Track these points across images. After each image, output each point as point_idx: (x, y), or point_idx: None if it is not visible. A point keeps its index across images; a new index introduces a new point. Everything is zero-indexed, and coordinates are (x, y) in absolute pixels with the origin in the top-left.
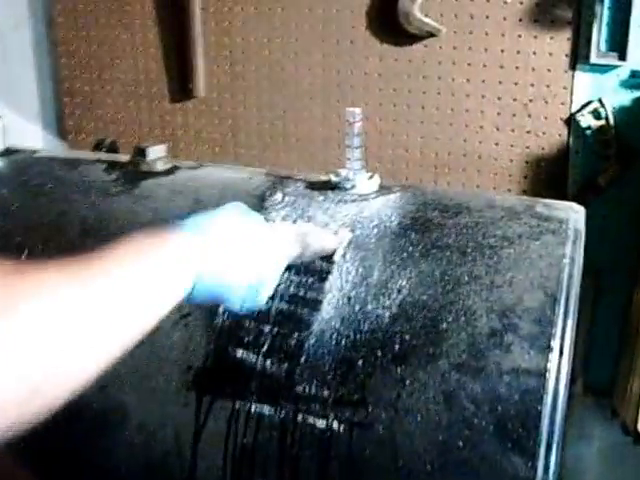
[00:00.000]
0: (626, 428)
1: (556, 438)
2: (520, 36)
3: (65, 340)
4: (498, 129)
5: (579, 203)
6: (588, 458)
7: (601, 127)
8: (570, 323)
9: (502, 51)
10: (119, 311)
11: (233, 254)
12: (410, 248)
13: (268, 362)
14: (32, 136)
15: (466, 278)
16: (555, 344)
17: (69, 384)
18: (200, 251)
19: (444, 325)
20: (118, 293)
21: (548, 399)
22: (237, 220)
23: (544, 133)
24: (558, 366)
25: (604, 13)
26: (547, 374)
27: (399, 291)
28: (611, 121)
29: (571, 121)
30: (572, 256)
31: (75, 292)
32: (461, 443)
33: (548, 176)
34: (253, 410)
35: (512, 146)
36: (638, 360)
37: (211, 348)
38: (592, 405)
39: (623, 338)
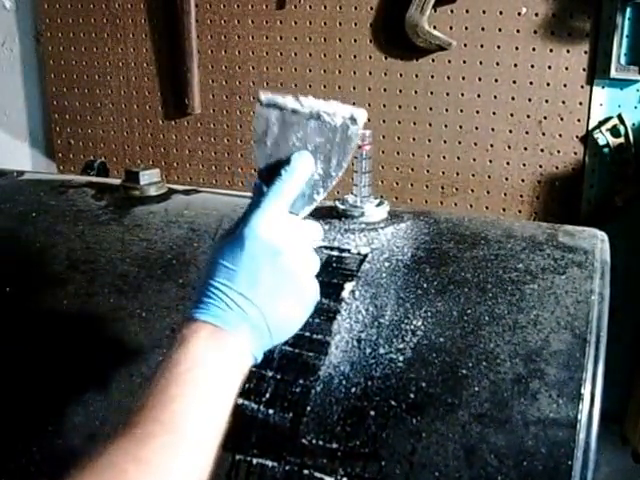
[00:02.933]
0: (637, 456)
1: None
2: (534, 49)
3: None
4: (510, 147)
5: (593, 224)
6: None
7: (620, 145)
8: (601, 367)
9: (515, 65)
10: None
11: (280, 319)
12: (425, 284)
13: (270, 411)
14: (20, 154)
15: (487, 318)
16: (586, 391)
17: None
18: (253, 338)
19: (464, 371)
20: (206, 421)
21: (579, 453)
22: (270, 274)
23: (559, 151)
24: (589, 416)
25: (624, 24)
26: (577, 425)
27: (414, 333)
28: (631, 139)
29: (588, 139)
30: (600, 292)
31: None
32: None
33: (561, 196)
34: (254, 464)
35: (524, 165)
36: None
37: None
38: (602, 431)
39: (636, 363)
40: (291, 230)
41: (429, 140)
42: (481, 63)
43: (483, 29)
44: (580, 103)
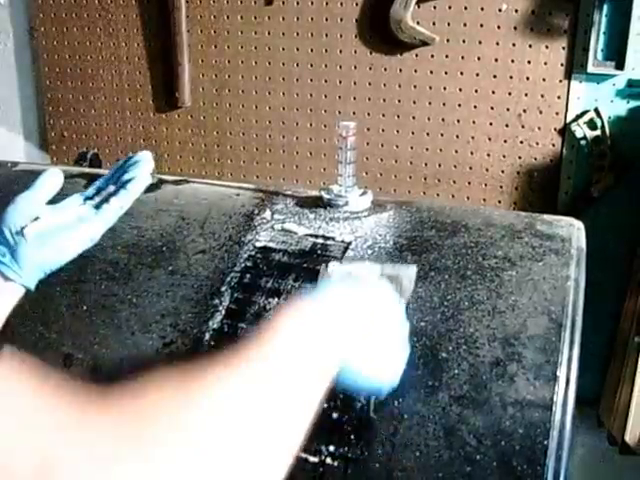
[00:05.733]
0: (612, 438)
1: (562, 475)
2: (514, 45)
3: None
4: (490, 139)
5: (570, 214)
6: (571, 466)
7: (596, 137)
8: (576, 350)
9: (496, 60)
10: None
11: (373, 339)
12: None
13: None
14: (14, 146)
15: (466, 303)
16: (561, 374)
17: None
18: (343, 338)
19: (444, 354)
20: (283, 384)
21: (554, 433)
22: (364, 298)
23: (537, 143)
24: (564, 397)
25: (602, 21)
26: (553, 406)
27: None
28: (607, 131)
29: (565, 131)
30: (576, 278)
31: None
32: None
33: (539, 187)
34: None
35: (504, 157)
36: (626, 370)
37: None
38: (578, 414)
39: (611, 349)
40: None
41: (412, 133)
42: (463, 58)
43: (465, 25)
44: (558, 97)
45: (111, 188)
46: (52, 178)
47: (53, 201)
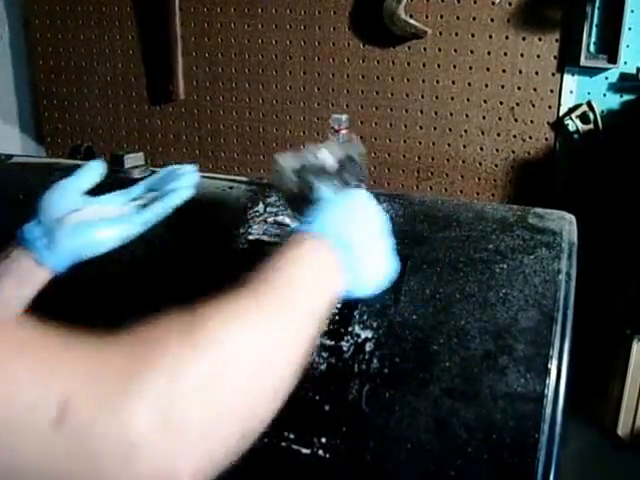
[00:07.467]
0: (604, 431)
1: (553, 468)
2: (507, 38)
3: (270, 354)
4: (483, 133)
5: (563, 207)
6: (563, 460)
7: (589, 131)
8: (567, 343)
9: (489, 53)
10: (298, 319)
11: (374, 252)
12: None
13: None
14: (9, 139)
15: (458, 296)
16: (552, 367)
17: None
18: (349, 258)
19: (435, 347)
20: (294, 305)
21: (545, 426)
22: (362, 211)
23: (530, 137)
24: (555, 390)
25: (594, 14)
26: (544, 399)
27: (387, 310)
28: (599, 125)
29: (558, 125)
30: (568, 271)
31: (265, 314)
32: (453, 473)
33: (533, 181)
34: None
35: (497, 150)
36: (618, 364)
37: None
38: (569, 408)
39: (603, 342)
40: None
41: (405, 126)
42: (456, 51)
43: (458, 18)
44: (551, 90)
45: (155, 194)
46: (95, 169)
47: (93, 192)
